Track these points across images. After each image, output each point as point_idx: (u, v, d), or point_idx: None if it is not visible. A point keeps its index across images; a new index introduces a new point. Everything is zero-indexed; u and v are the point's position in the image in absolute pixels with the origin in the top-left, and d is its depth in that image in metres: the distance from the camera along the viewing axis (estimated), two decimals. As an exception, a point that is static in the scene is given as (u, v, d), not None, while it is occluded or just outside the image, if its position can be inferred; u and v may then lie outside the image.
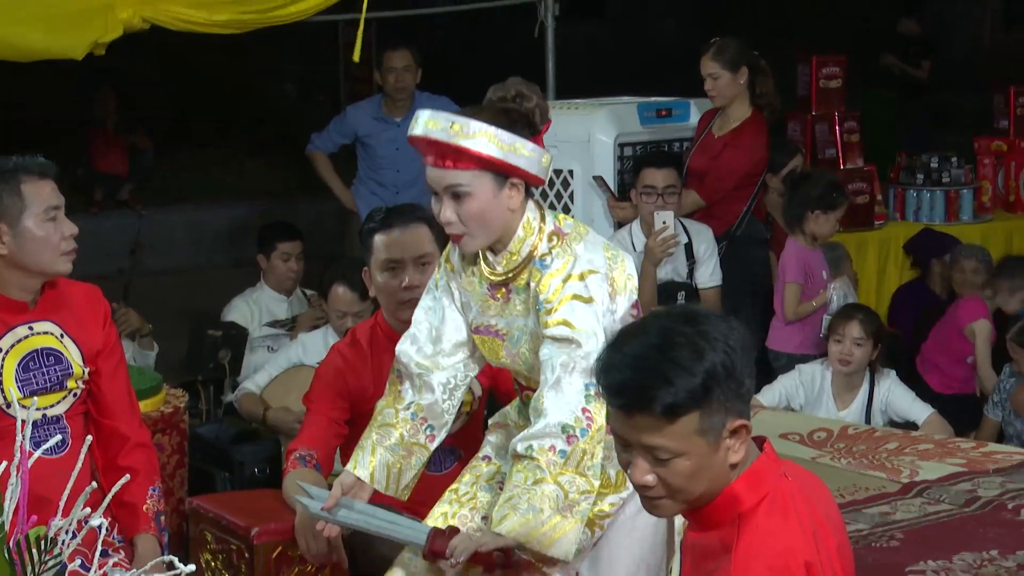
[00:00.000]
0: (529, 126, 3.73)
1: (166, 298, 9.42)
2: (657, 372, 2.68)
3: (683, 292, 6.79)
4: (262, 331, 6.98)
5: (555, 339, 3.65)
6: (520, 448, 3.66)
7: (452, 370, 3.99)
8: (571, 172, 7.14)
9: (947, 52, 15.07)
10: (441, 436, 4.04)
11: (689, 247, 6.81)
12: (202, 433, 5.91)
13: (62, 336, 4.21)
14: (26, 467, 2.82)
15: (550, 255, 3.74)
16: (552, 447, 3.62)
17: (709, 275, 6.85)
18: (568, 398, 3.64)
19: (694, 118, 7.40)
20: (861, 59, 11.00)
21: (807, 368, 6.54)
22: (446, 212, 3.71)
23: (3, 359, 4.10)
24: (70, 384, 4.20)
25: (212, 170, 13.68)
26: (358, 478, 3.96)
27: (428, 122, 3.66)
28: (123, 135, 12.65)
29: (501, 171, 3.68)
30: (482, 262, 3.84)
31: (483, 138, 3.63)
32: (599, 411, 3.62)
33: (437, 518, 3.99)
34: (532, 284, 3.74)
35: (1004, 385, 6.78)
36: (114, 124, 12.57)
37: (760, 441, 2.81)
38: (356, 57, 6.66)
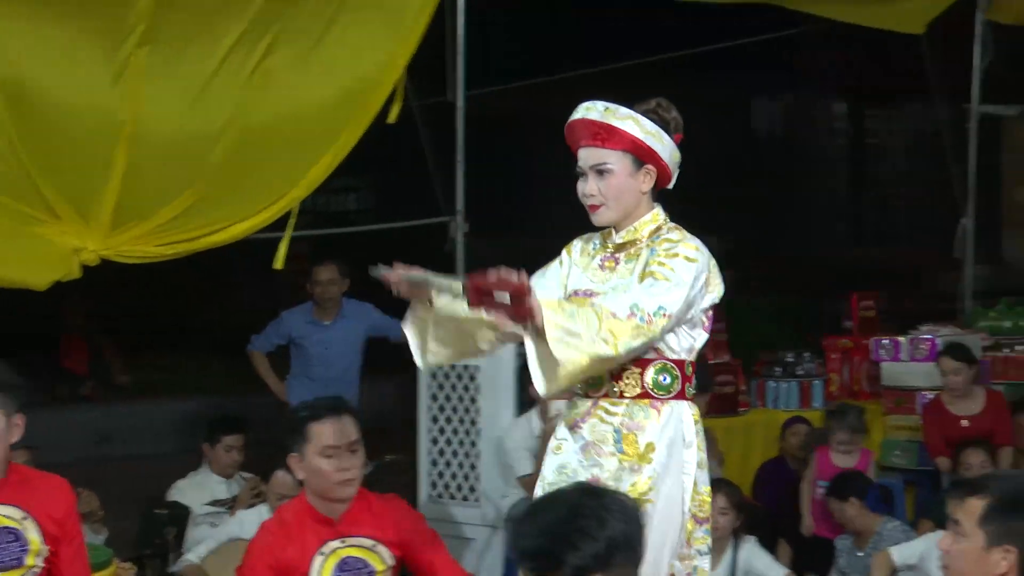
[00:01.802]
0: (666, 128, 4.08)
1: (124, 482, 9.31)
2: (565, 539, 2.72)
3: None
4: (204, 510, 6.92)
5: (651, 275, 3.91)
6: (596, 301, 3.91)
7: None
8: (478, 367, 7.16)
9: (807, 263, 15.46)
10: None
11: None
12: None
13: (24, 518, 4.18)
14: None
15: (667, 232, 4.04)
16: (613, 312, 3.79)
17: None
18: (646, 300, 3.84)
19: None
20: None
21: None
22: (591, 186, 4.05)
23: None
24: (29, 561, 4.16)
25: (172, 368, 13.59)
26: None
27: (587, 107, 4.05)
28: (89, 338, 12.58)
29: (641, 154, 4.03)
30: (608, 237, 4.11)
31: (630, 121, 4.01)
32: (660, 322, 3.83)
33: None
34: (647, 250, 4.01)
35: (841, 556, 6.84)
36: (81, 329, 12.51)
37: None
38: (278, 264, 6.73)
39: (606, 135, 4.01)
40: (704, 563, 4.05)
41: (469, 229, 7.98)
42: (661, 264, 3.94)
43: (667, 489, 3.94)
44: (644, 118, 4.02)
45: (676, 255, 3.95)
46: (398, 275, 3.94)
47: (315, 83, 6.53)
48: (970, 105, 9.33)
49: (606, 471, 3.97)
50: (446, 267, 7.97)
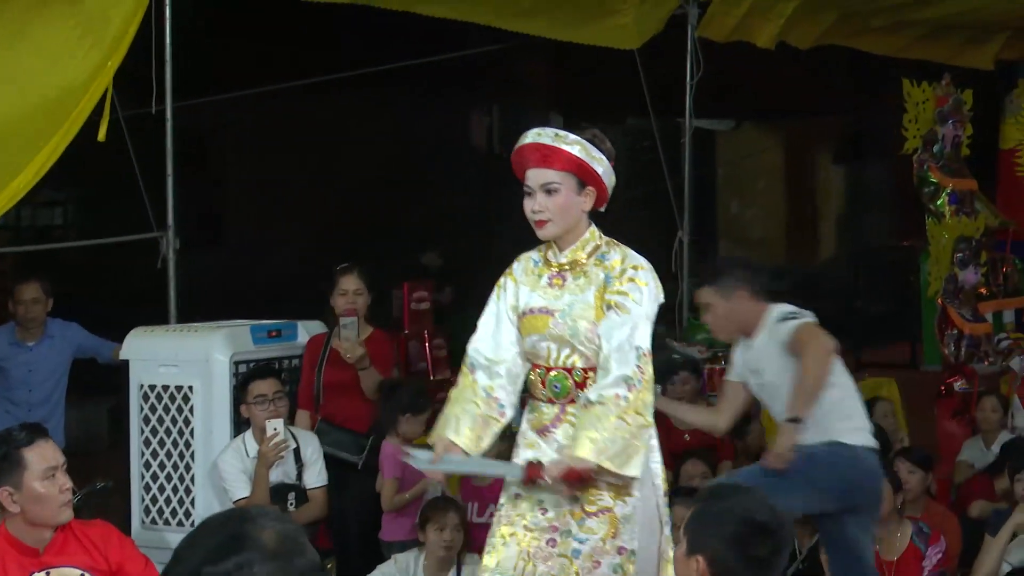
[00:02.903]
0: (605, 155, 4.61)
1: None
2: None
3: (293, 493, 6.74)
4: None
5: (615, 306, 4.47)
6: (593, 397, 4.40)
7: (512, 361, 4.68)
8: (191, 388, 7.04)
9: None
10: (509, 414, 4.67)
11: (297, 451, 6.78)
12: None
13: (83, 574, 4.30)
14: None
15: (608, 250, 4.60)
16: (617, 395, 4.37)
17: (316, 476, 6.83)
18: (626, 357, 4.41)
19: (302, 337, 7.43)
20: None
21: (402, 556, 6.54)
22: (539, 203, 4.56)
23: None
24: None
25: None
26: (452, 441, 4.58)
27: (537, 133, 4.58)
28: None
29: (584, 176, 4.55)
30: (550, 253, 4.65)
31: (578, 147, 4.54)
32: (647, 365, 4.44)
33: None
34: (594, 268, 4.56)
35: None
36: None
37: None
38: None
39: (555, 158, 4.52)
40: (667, 531, 4.64)
41: (180, 245, 7.83)
42: (621, 294, 4.49)
43: (640, 479, 4.47)
44: (589, 144, 4.54)
45: (631, 280, 4.52)
46: (439, 457, 4.58)
47: (11, 92, 6.30)
48: (684, 120, 9.61)
49: None
50: (159, 284, 7.81)
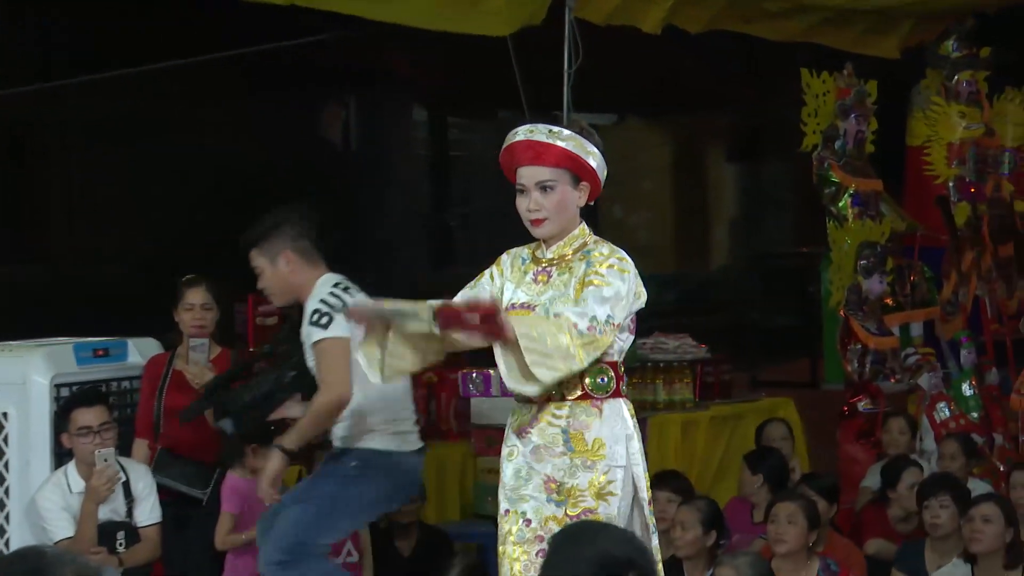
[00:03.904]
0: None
1: None
2: None
3: (123, 532, 6.64)
4: None
5: (593, 283, 4.81)
6: (554, 311, 4.82)
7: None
8: (5, 415, 6.92)
9: (387, 288, 15.44)
10: None
11: (127, 485, 6.68)
12: None
13: None
14: None
15: (594, 248, 4.96)
16: (576, 324, 4.72)
17: (149, 512, 6.73)
18: (598, 310, 4.76)
19: (133, 357, 7.33)
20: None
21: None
22: (535, 202, 4.92)
23: None
24: None
25: None
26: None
27: (529, 130, 4.94)
28: None
29: (579, 171, 4.93)
30: (539, 251, 5.02)
31: (572, 141, 4.91)
32: (610, 331, 4.78)
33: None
34: (578, 263, 4.90)
35: None
36: None
37: None
38: None
39: (549, 154, 4.89)
40: (655, 540, 4.96)
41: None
42: (599, 275, 4.84)
43: (622, 481, 4.85)
44: (582, 138, 4.91)
45: (612, 267, 4.86)
46: (366, 310, 4.92)
47: None
48: (561, 113, 9.60)
49: (560, 470, 4.88)
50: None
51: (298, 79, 15.59)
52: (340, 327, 5.81)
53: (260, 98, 15.73)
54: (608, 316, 4.79)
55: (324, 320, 5.87)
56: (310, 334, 5.92)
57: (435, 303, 4.73)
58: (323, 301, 5.92)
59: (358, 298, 5.60)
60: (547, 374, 4.68)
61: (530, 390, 4.76)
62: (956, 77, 10.67)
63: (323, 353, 5.86)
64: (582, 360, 4.73)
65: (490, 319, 4.62)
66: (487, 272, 5.14)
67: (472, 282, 5.15)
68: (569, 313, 4.78)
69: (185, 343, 7.08)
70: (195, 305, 7.12)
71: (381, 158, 17.61)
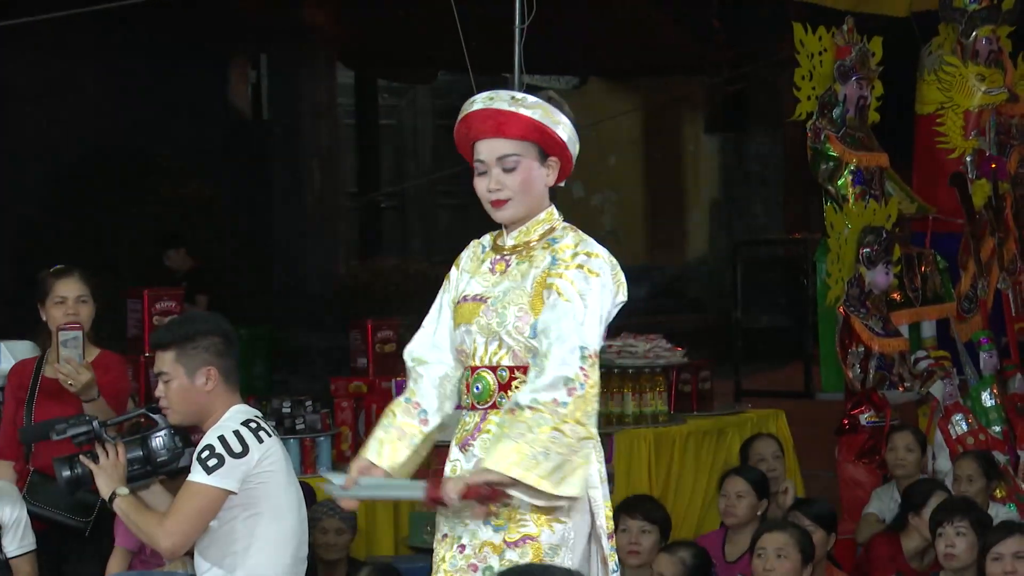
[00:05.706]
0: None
1: None
2: None
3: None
4: None
5: (556, 291, 4.77)
6: (524, 401, 4.66)
7: (444, 365, 5.05)
8: None
9: (303, 291, 15.49)
10: (435, 421, 5.03)
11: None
12: None
13: None
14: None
15: (562, 235, 4.90)
16: (555, 400, 4.65)
17: (19, 542, 6.76)
18: (567, 357, 4.69)
19: (6, 363, 7.35)
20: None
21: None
22: (495, 180, 4.86)
23: None
24: None
25: None
26: (371, 463, 4.97)
27: (488, 97, 4.87)
28: None
29: (546, 144, 4.88)
30: (499, 238, 5.01)
31: (539, 110, 4.84)
32: (593, 370, 4.73)
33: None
34: (541, 252, 4.88)
35: None
36: None
37: None
38: None
39: (512, 125, 4.83)
40: None
41: None
42: (565, 279, 4.79)
43: (573, 506, 4.80)
44: (551, 106, 4.86)
45: (582, 268, 4.81)
46: (358, 497, 4.99)
47: None
48: (512, 76, 9.65)
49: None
50: None
51: (196, 34, 15.58)
52: (224, 477, 5.75)
53: (147, 62, 15.69)
54: (583, 352, 4.72)
55: (212, 463, 5.75)
56: (192, 466, 5.86)
57: (423, 482, 4.78)
58: (222, 439, 5.81)
59: (344, 479, 5.09)
60: (576, 479, 4.70)
61: (562, 492, 4.72)
62: (974, 33, 10.71)
63: (188, 495, 5.80)
64: (587, 430, 4.71)
65: (472, 497, 4.64)
66: (447, 278, 5.13)
67: (433, 312, 5.13)
68: (543, 396, 4.68)
69: (55, 343, 6.96)
70: (67, 299, 7.06)
71: (297, 128, 17.60)
